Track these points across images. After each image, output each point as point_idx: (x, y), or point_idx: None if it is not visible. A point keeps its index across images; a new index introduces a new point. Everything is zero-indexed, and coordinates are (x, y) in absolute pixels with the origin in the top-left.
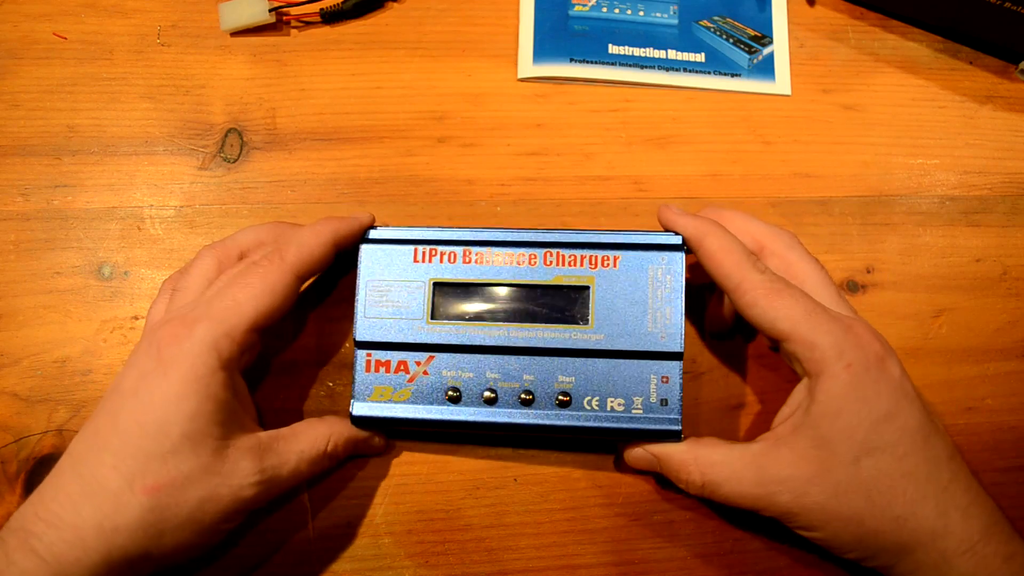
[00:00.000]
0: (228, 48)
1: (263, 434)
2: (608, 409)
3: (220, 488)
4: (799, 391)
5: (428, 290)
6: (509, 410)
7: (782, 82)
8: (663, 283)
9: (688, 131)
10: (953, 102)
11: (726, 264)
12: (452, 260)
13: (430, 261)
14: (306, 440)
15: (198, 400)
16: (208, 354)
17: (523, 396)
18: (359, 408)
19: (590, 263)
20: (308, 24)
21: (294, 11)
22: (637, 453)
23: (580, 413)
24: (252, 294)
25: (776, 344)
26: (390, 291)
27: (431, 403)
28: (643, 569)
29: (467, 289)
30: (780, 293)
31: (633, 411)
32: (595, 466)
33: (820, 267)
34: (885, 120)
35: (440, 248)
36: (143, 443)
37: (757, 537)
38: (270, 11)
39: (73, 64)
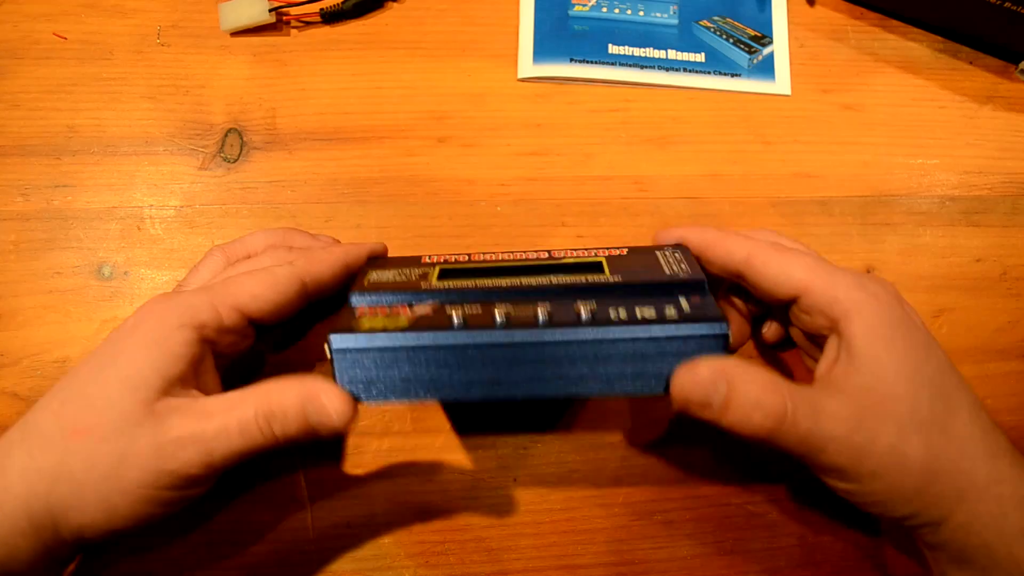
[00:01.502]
0: (228, 48)
1: (206, 399)
2: (639, 318)
3: (141, 442)
4: (830, 348)
5: (435, 271)
6: (526, 330)
7: (782, 82)
8: (673, 260)
9: (688, 131)
10: (953, 102)
11: (732, 244)
12: (461, 259)
13: (439, 260)
14: (250, 402)
15: (149, 348)
16: (180, 310)
17: (540, 317)
18: (340, 340)
19: (598, 252)
20: (308, 24)
21: (294, 11)
22: (701, 372)
23: (607, 322)
24: (254, 281)
25: (785, 314)
26: (392, 277)
27: (434, 328)
28: (643, 569)
29: (477, 271)
30: (789, 251)
31: (667, 315)
32: (595, 467)
33: (808, 248)
34: (885, 120)
35: (446, 254)
36: (86, 387)
37: (757, 537)
38: (270, 11)
39: (73, 64)
